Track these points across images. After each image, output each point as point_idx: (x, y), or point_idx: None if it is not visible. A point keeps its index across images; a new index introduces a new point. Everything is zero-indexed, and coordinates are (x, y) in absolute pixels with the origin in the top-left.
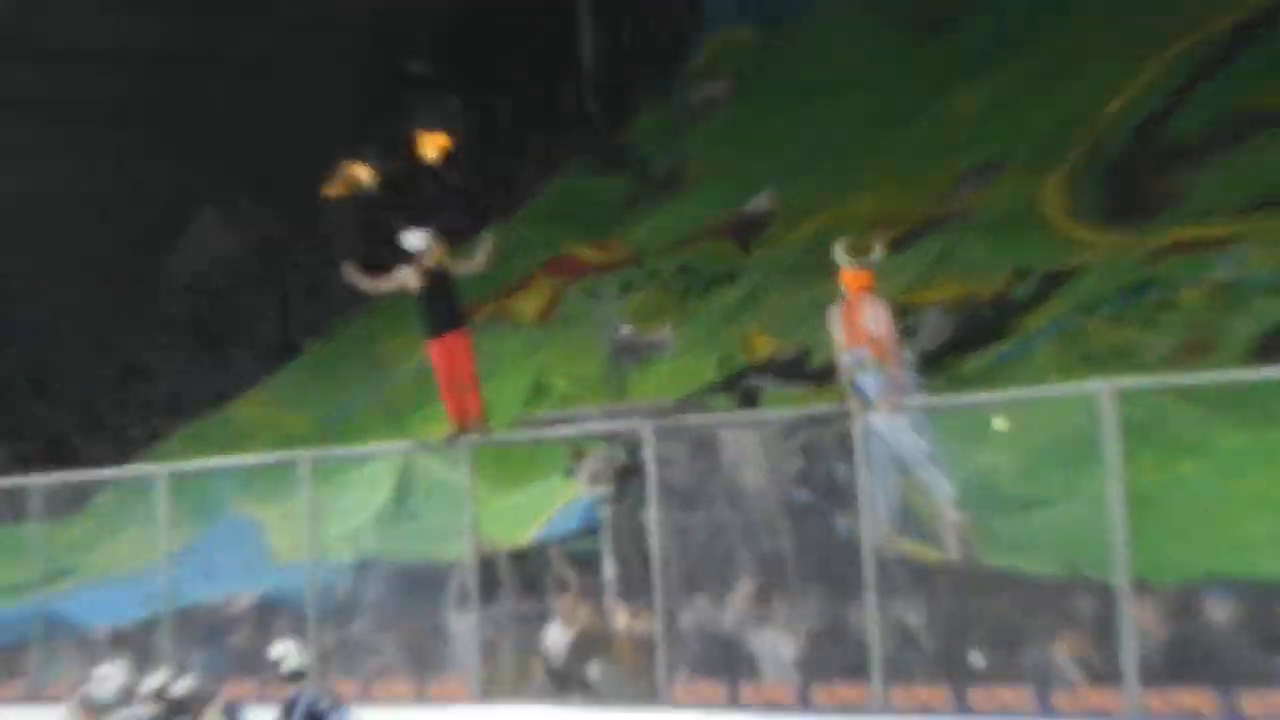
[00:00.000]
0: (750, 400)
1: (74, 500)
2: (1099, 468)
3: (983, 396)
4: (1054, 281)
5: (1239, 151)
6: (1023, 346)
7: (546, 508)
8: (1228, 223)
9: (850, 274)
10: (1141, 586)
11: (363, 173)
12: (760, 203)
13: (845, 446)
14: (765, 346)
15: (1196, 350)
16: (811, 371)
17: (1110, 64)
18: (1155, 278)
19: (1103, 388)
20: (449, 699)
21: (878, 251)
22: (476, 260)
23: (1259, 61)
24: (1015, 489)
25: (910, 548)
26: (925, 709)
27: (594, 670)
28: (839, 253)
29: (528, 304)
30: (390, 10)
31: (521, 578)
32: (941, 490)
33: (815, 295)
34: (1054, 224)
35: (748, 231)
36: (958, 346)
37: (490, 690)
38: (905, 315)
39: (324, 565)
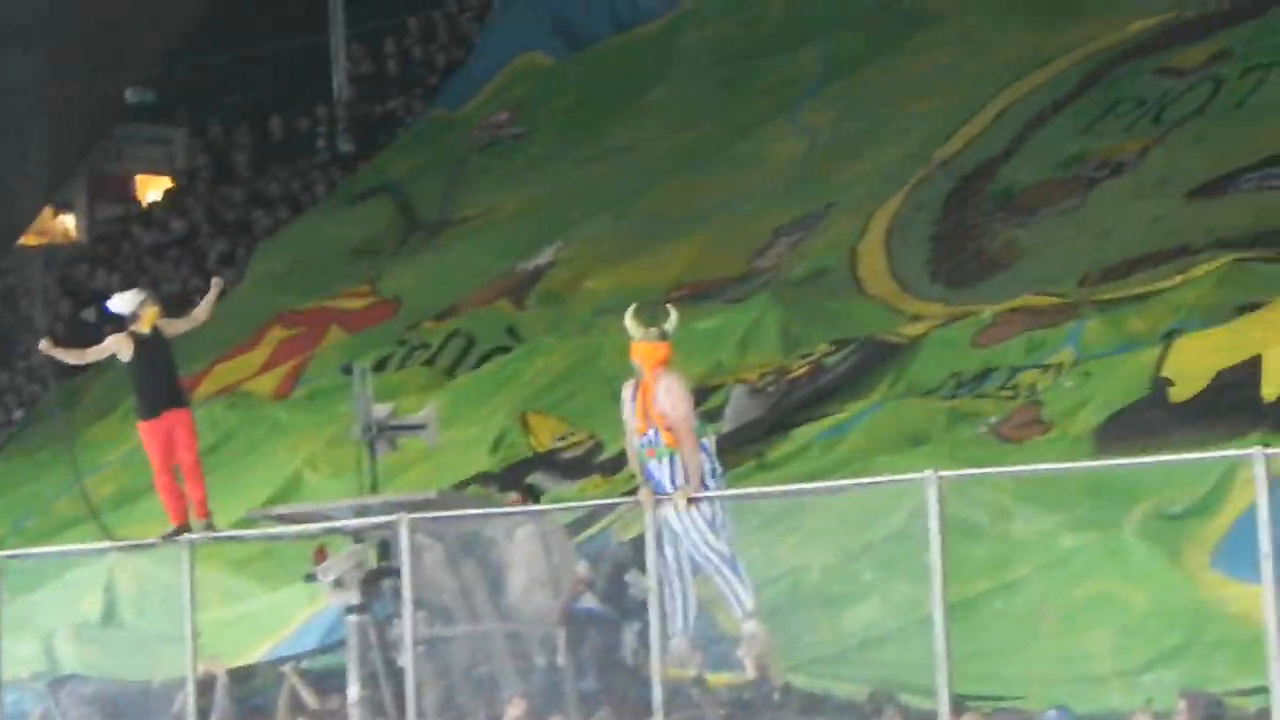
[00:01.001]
0: (529, 494)
1: None
2: (922, 569)
3: (792, 487)
4: (877, 355)
5: (1078, 204)
6: (839, 430)
7: (282, 619)
8: (1066, 291)
9: (643, 346)
10: (962, 709)
11: (65, 221)
12: (544, 256)
13: (635, 546)
14: (546, 431)
15: (1032, 437)
16: (602, 462)
17: (943, 106)
18: (989, 356)
19: (929, 478)
20: None
21: (673, 320)
22: (195, 313)
23: (1100, 106)
24: (826, 593)
25: (706, 666)
26: None
27: None
28: (630, 321)
29: (264, 375)
30: (114, 26)
31: (249, 701)
32: (741, 598)
33: (607, 368)
34: (876, 288)
35: (528, 290)
36: (765, 430)
37: None
38: (706, 394)
39: (16, 686)
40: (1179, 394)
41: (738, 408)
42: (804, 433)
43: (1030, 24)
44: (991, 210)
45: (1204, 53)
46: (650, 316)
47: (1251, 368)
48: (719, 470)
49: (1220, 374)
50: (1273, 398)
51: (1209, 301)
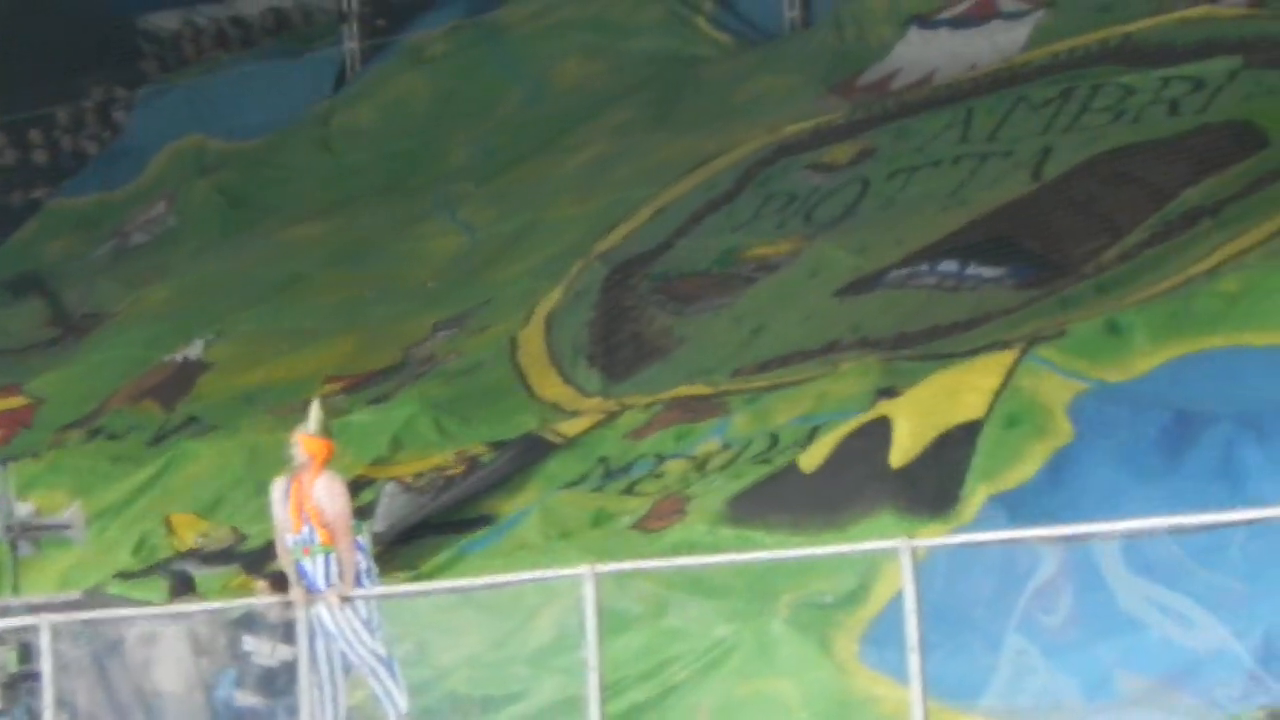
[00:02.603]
0: (178, 592)
1: None
2: (578, 664)
3: (448, 584)
4: (533, 452)
5: (732, 299)
6: (497, 529)
7: None
8: (717, 383)
9: (313, 440)
10: None
11: None
12: (193, 350)
13: (289, 647)
14: (189, 529)
15: (672, 523)
16: (246, 556)
17: (601, 204)
18: (640, 447)
19: (585, 573)
20: None
21: (319, 413)
22: None
23: (754, 204)
24: (481, 693)
25: None
26: None
27: None
28: (312, 411)
29: None
30: None
31: None
32: (395, 700)
33: (253, 466)
34: (536, 379)
35: (176, 386)
36: (422, 528)
37: None
38: (357, 490)
39: None
40: (808, 463)
41: (390, 505)
42: (457, 540)
43: (687, 126)
44: (648, 294)
45: (853, 148)
46: (302, 409)
47: (881, 437)
48: (374, 569)
49: (847, 441)
50: (899, 465)
51: (851, 395)
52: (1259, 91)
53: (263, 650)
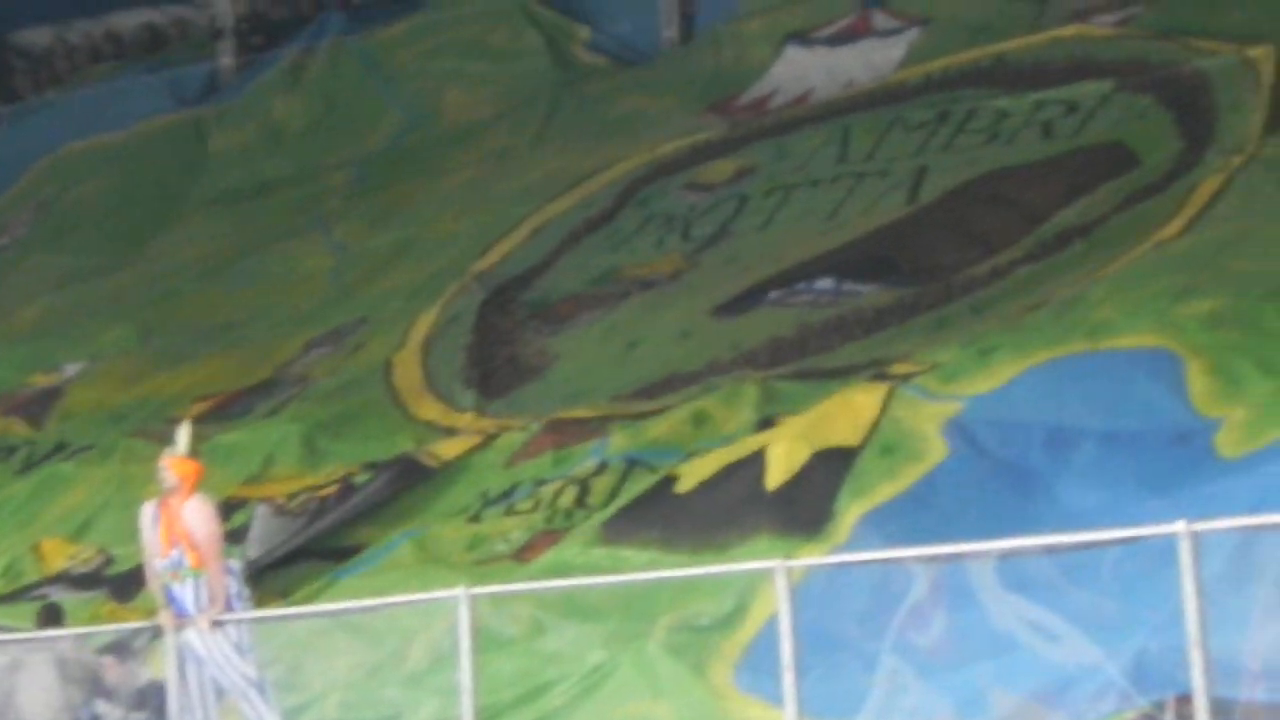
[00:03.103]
0: (51, 619)
1: None
2: (453, 687)
3: (321, 608)
4: (409, 475)
5: (610, 318)
6: (373, 554)
7: None
8: (595, 405)
9: (181, 462)
10: None
11: None
12: (64, 371)
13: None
14: (60, 554)
15: (550, 545)
16: (114, 580)
17: (478, 223)
18: (518, 472)
19: (460, 595)
20: None
21: (188, 435)
22: None
23: (632, 223)
24: (356, 716)
25: None
26: None
27: None
28: (180, 433)
29: None
30: None
31: None
32: None
33: (123, 488)
34: (411, 401)
35: (43, 407)
36: (295, 552)
37: None
38: (229, 513)
39: None
40: (685, 485)
41: (263, 529)
42: (331, 567)
43: (563, 145)
44: (525, 319)
45: (731, 166)
46: (169, 431)
47: (758, 459)
48: (245, 593)
49: (727, 466)
50: (775, 487)
51: (729, 418)
52: (1130, 114)
53: (126, 681)
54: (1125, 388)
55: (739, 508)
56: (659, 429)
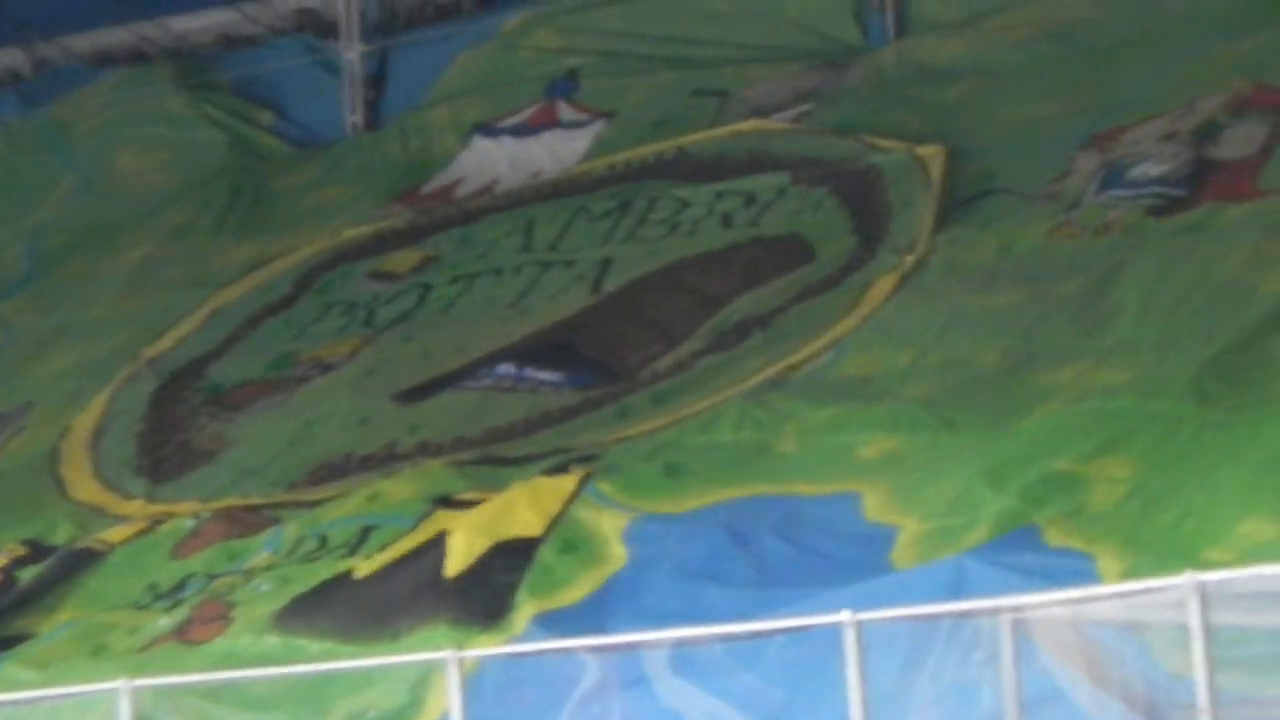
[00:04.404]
0: None
1: None
2: None
3: None
4: (74, 564)
5: (287, 404)
6: (33, 645)
7: None
8: (270, 494)
9: None
10: None
11: None
12: None
13: None
14: None
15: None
16: None
17: (153, 305)
18: (188, 565)
19: (121, 688)
20: None
21: None
22: None
23: (313, 310)
24: None
25: None
26: None
27: None
28: None
29: None
30: None
31: None
32: None
33: None
34: (78, 489)
35: None
36: None
37: None
38: None
39: None
40: (362, 571)
41: None
42: None
43: (244, 228)
44: (200, 405)
45: (415, 255)
46: None
47: (437, 546)
48: None
49: (406, 553)
50: (454, 575)
51: (406, 499)
52: (806, 207)
53: None
54: (805, 521)
55: (417, 595)
56: (333, 510)
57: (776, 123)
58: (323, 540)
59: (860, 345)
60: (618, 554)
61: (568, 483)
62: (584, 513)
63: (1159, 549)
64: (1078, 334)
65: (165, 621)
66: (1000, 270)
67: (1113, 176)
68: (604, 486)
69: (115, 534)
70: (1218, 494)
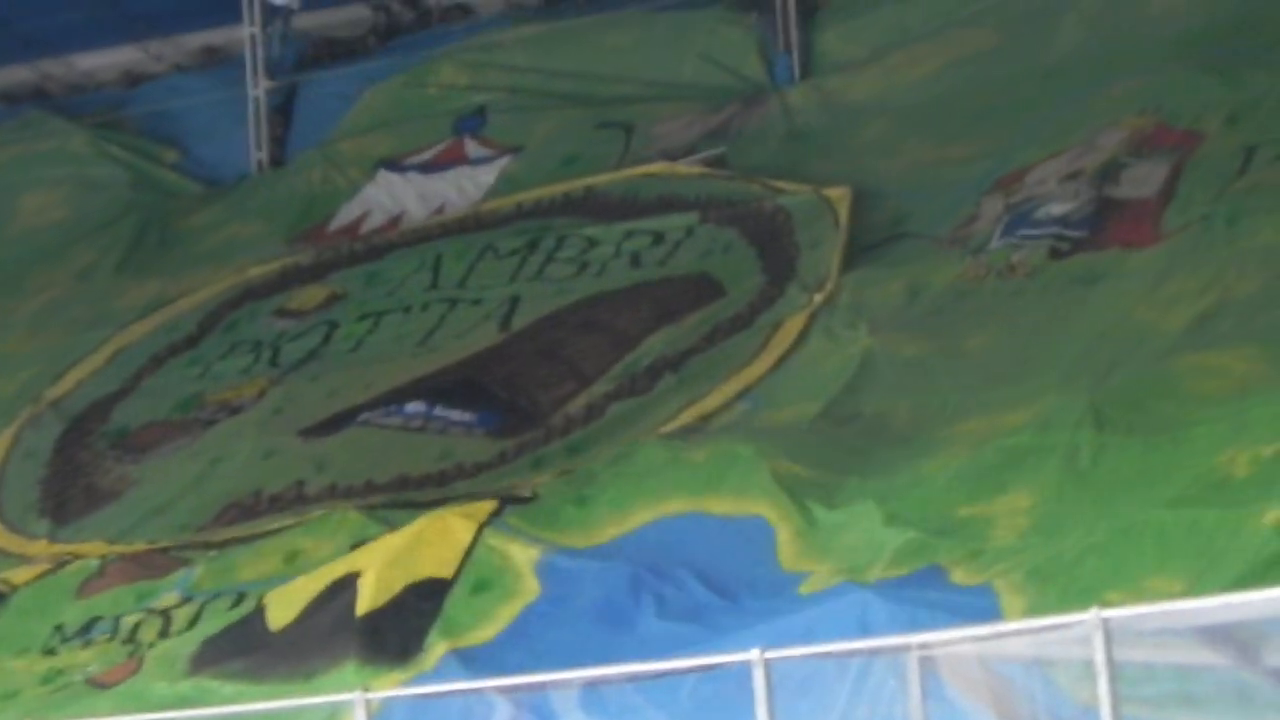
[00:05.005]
0: None
1: None
2: None
3: None
4: None
5: (193, 444)
6: None
7: None
8: (178, 536)
9: None
10: None
11: None
12: None
13: None
14: None
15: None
16: None
17: (54, 346)
18: (94, 605)
19: None
20: None
21: None
22: None
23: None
24: None
25: None
26: None
27: None
28: None
29: None
30: None
31: None
32: None
33: None
34: None
35: None
36: None
37: None
38: None
39: None
40: (273, 613)
41: None
42: None
43: (147, 267)
44: (105, 450)
45: (321, 292)
46: None
47: (349, 585)
48: None
49: (318, 593)
50: (364, 613)
51: (325, 556)
52: (715, 246)
53: None
54: (713, 540)
55: (328, 635)
56: (247, 565)
57: (685, 166)
58: (240, 598)
59: (771, 400)
60: (530, 587)
61: (481, 511)
62: (496, 542)
63: (1061, 584)
64: (984, 385)
65: (75, 664)
66: (908, 315)
67: (1017, 220)
68: (514, 520)
69: (19, 575)
70: (1116, 531)
